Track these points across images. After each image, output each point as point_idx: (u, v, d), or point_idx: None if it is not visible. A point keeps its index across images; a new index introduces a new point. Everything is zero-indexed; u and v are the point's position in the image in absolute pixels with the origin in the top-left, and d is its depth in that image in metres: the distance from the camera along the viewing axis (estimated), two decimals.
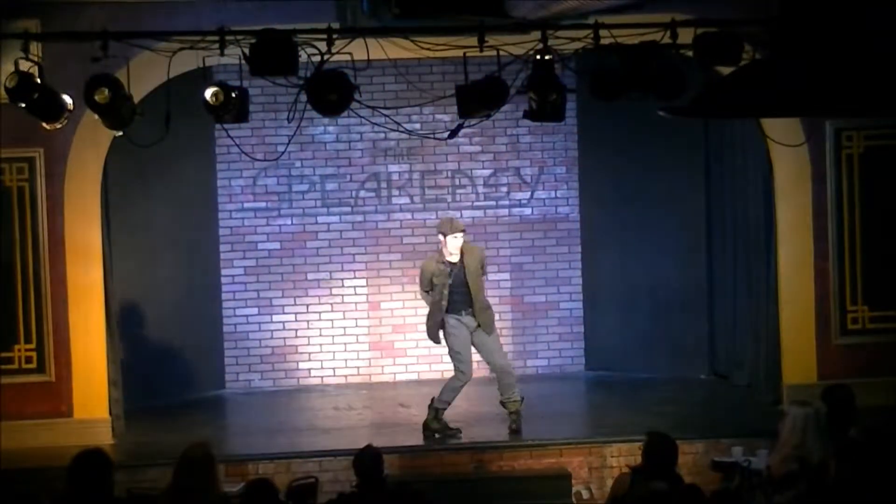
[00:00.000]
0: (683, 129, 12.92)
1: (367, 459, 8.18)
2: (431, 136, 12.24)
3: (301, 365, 14.00)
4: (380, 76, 13.25)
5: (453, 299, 11.49)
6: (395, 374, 14.08)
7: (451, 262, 11.48)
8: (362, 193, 14.03)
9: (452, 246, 11.44)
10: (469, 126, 11.41)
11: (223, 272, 13.91)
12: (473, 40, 9.56)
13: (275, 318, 13.98)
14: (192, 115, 10.17)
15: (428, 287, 11.61)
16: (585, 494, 11.10)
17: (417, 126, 13.16)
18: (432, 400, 11.60)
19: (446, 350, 11.70)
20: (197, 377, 13.59)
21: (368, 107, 10.29)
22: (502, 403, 11.56)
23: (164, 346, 13.18)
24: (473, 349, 11.58)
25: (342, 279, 14.02)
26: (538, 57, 9.54)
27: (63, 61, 10.03)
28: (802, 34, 7.95)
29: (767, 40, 8.86)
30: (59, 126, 10.03)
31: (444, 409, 11.58)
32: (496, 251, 14.12)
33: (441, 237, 11.53)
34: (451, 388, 11.58)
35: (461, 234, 11.46)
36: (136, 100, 9.95)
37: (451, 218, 11.86)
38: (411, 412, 12.59)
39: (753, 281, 12.94)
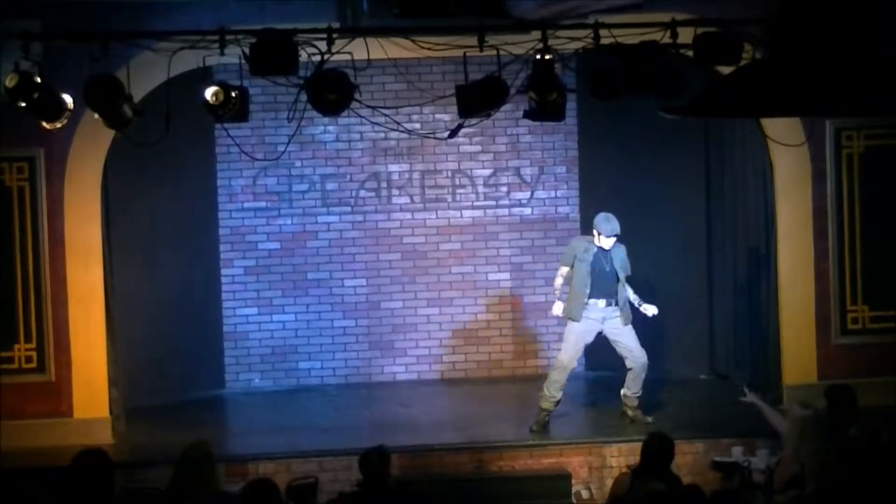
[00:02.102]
0: (683, 129, 12.92)
1: (373, 459, 8.19)
2: (431, 135, 12.25)
3: (301, 365, 14.00)
4: (380, 76, 13.26)
5: (594, 284, 11.63)
6: (395, 374, 14.08)
7: (600, 246, 11.62)
8: (362, 193, 14.04)
9: (604, 245, 11.64)
10: (469, 126, 11.42)
11: (223, 272, 13.91)
12: (473, 40, 9.56)
13: (275, 318, 13.98)
14: (192, 115, 10.16)
15: (569, 263, 11.72)
16: (585, 494, 11.11)
17: (417, 126, 13.17)
18: (540, 389, 11.74)
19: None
20: (197, 377, 13.58)
21: (368, 106, 10.29)
22: (623, 397, 11.79)
23: (164, 346, 13.17)
24: (613, 342, 11.75)
25: (342, 279, 14.02)
26: (538, 57, 9.54)
27: (63, 61, 10.02)
28: (802, 34, 7.95)
29: (767, 40, 8.87)
30: (59, 126, 10.03)
31: (553, 397, 11.63)
32: (496, 251, 14.14)
33: (595, 232, 11.65)
34: (550, 379, 11.71)
35: (614, 239, 11.59)
36: (136, 100, 9.95)
37: (609, 216, 11.79)
38: (411, 412, 12.60)
39: (753, 281, 12.94)
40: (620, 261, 11.68)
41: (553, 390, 11.63)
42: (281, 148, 12.81)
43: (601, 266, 11.65)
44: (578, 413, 12.51)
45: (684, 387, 13.24)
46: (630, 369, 11.74)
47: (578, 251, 11.72)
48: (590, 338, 11.78)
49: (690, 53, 9.64)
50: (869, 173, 12.18)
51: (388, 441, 8.90)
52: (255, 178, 13.90)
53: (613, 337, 11.74)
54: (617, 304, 11.69)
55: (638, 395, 11.82)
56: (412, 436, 11.56)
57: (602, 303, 11.68)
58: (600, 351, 13.93)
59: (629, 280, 11.77)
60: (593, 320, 11.70)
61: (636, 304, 11.78)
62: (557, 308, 11.85)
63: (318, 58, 9.35)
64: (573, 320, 11.73)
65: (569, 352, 11.70)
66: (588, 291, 11.63)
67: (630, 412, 11.84)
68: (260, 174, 13.88)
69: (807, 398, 10.08)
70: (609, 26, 9.69)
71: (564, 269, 11.82)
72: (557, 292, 11.84)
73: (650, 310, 11.79)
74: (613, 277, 11.67)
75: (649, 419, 11.71)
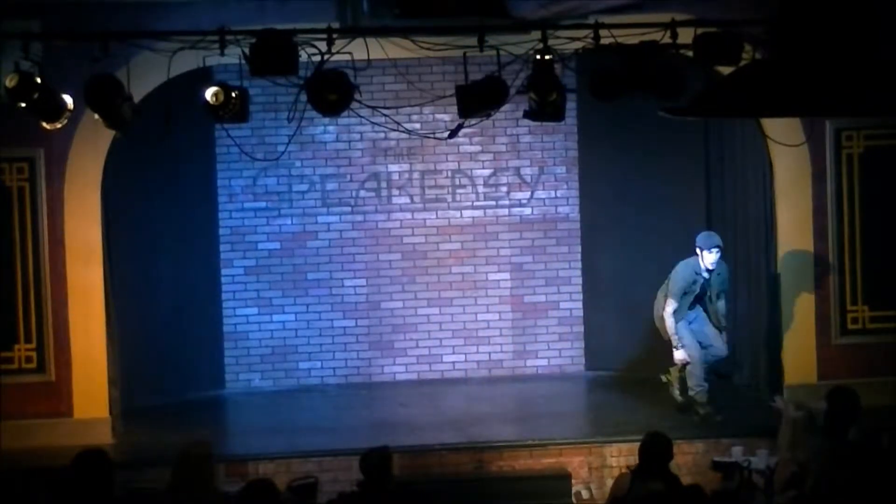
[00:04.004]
0: (683, 130, 12.91)
1: (374, 459, 8.18)
2: (431, 136, 12.23)
3: (301, 365, 13.99)
4: (380, 76, 13.25)
5: (692, 304, 11.91)
6: (395, 374, 14.08)
7: (704, 276, 11.81)
8: (362, 193, 14.03)
9: (708, 261, 11.75)
10: (469, 126, 11.41)
11: (223, 272, 13.91)
12: (473, 40, 9.56)
13: (275, 318, 13.98)
14: (192, 115, 10.16)
15: (679, 296, 11.80)
16: (585, 494, 11.10)
17: (417, 126, 13.16)
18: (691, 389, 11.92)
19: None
20: (197, 377, 13.58)
21: (368, 106, 10.30)
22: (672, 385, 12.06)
23: (164, 346, 13.17)
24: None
25: (342, 279, 14.02)
26: (538, 57, 9.55)
27: (63, 61, 10.02)
28: (802, 34, 7.95)
29: (767, 40, 8.87)
30: (59, 126, 10.03)
31: (701, 387, 11.80)
32: (496, 251, 14.14)
33: (697, 251, 11.78)
34: (690, 374, 11.88)
35: (717, 250, 11.70)
36: (136, 100, 9.95)
37: (710, 233, 11.94)
38: (411, 412, 12.60)
39: (753, 281, 12.94)
40: (717, 285, 11.88)
41: (698, 382, 11.81)
42: (281, 148, 12.80)
43: (702, 292, 11.89)
44: (578, 413, 12.50)
45: None
46: (692, 365, 11.93)
47: (687, 283, 11.81)
48: (690, 328, 11.94)
49: (690, 53, 9.64)
50: (869, 173, 12.18)
51: (388, 441, 8.91)
52: (255, 178, 13.89)
53: (707, 334, 12.02)
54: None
55: (692, 391, 11.88)
56: (412, 436, 11.56)
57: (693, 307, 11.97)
58: (600, 351, 13.97)
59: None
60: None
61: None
62: (681, 355, 11.89)
63: (318, 58, 9.35)
64: (668, 337, 11.94)
65: (692, 346, 11.82)
66: (685, 313, 11.89)
67: (701, 409, 11.88)
68: (260, 174, 13.88)
69: (807, 398, 10.09)
70: (609, 26, 9.69)
71: (674, 304, 11.84)
72: (675, 339, 11.84)
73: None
74: (703, 297, 11.94)
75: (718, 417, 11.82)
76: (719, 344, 11.97)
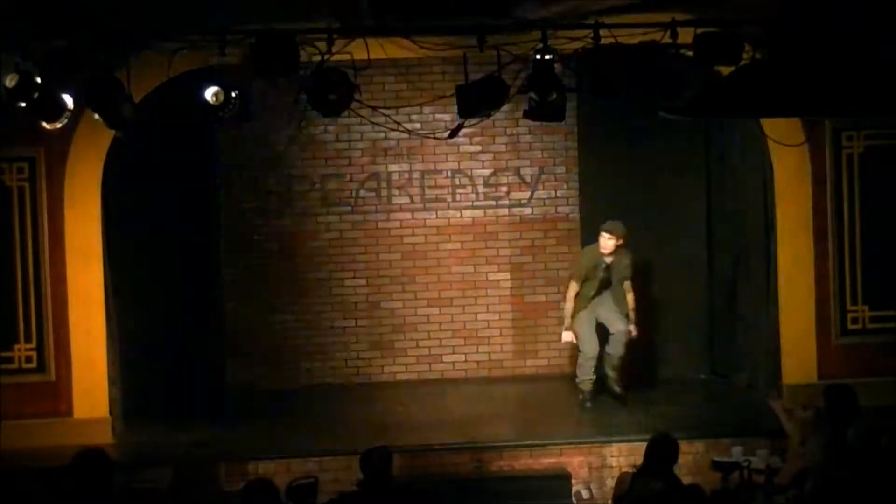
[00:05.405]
0: (684, 129, 12.92)
1: (375, 458, 8.19)
2: (431, 135, 12.23)
3: (301, 365, 13.99)
4: (380, 76, 13.24)
5: (596, 291, 12.25)
6: (395, 374, 14.08)
7: (607, 261, 12.17)
8: (362, 193, 14.03)
9: (602, 245, 12.15)
10: (469, 126, 11.42)
11: (223, 272, 13.90)
12: (473, 40, 9.56)
13: (275, 317, 13.97)
14: (192, 115, 10.16)
15: (581, 279, 12.21)
16: (585, 494, 11.11)
17: (417, 126, 13.16)
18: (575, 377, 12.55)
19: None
20: (197, 377, 13.56)
21: (369, 106, 10.29)
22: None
23: (164, 345, 13.16)
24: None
25: (342, 279, 14.01)
26: (538, 57, 9.55)
27: (63, 61, 10.01)
28: (802, 34, 7.96)
29: (767, 40, 8.88)
30: (59, 126, 10.03)
31: (589, 378, 12.35)
32: (496, 251, 14.14)
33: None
34: (580, 365, 12.40)
35: (608, 235, 12.08)
36: (136, 100, 9.95)
37: (612, 221, 12.24)
38: (411, 412, 12.60)
39: (753, 281, 12.94)
40: (619, 272, 12.20)
41: (585, 374, 12.31)
42: (281, 148, 12.80)
43: (607, 279, 12.22)
44: (578, 413, 12.49)
45: (684, 387, 13.25)
46: (583, 359, 12.40)
47: (589, 268, 12.17)
48: (594, 318, 12.31)
49: (690, 53, 9.64)
50: (869, 173, 12.19)
51: (388, 441, 8.91)
52: (255, 178, 13.89)
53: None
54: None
55: (579, 380, 12.38)
56: (412, 436, 11.56)
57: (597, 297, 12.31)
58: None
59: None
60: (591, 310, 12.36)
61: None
62: (569, 336, 12.33)
63: (318, 58, 9.35)
64: (567, 327, 12.32)
65: (589, 342, 12.24)
66: (589, 300, 12.25)
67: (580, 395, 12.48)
68: (260, 174, 13.87)
69: (807, 398, 10.10)
70: (609, 26, 9.68)
71: (577, 287, 12.24)
72: (568, 320, 12.26)
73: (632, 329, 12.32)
74: (609, 283, 12.27)
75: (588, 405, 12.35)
76: (621, 325, 12.22)
